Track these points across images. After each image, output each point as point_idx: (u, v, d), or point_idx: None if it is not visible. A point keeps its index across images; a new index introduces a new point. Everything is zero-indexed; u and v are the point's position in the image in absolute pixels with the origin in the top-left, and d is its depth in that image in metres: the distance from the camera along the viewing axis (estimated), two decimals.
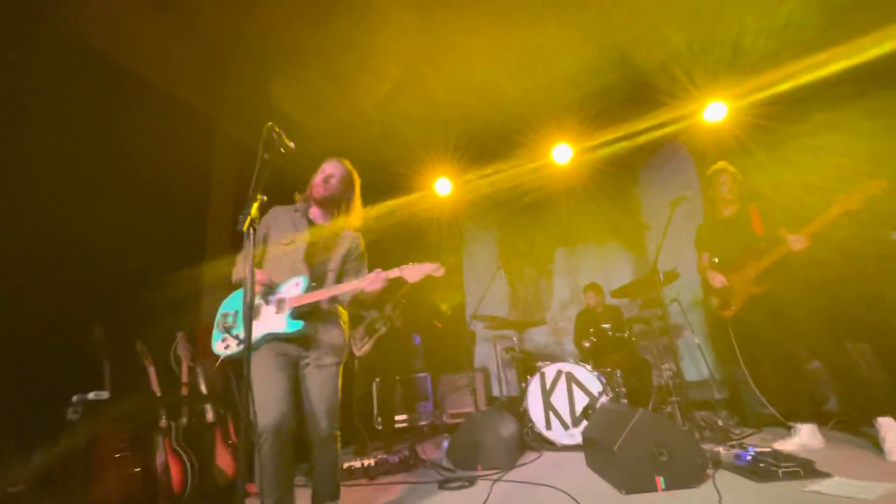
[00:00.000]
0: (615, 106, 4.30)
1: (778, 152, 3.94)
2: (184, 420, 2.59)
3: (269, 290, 1.90)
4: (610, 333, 3.80)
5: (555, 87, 4.14)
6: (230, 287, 2.03)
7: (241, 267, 1.97)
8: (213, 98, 3.78)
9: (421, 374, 4.95)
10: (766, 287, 2.70)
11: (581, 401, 3.26)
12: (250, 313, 1.43)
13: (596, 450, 2.51)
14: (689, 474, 2.08)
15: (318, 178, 2.06)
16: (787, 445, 2.53)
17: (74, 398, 2.21)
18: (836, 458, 2.31)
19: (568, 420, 3.27)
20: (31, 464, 2.13)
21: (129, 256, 2.77)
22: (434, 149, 4.77)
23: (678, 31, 3.59)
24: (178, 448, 2.47)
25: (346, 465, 2.86)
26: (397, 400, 4.66)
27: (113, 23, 2.94)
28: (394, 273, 1.87)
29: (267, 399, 1.75)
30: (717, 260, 2.99)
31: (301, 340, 1.90)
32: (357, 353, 4.00)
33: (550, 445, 3.30)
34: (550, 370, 3.46)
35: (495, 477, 2.61)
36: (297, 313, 1.86)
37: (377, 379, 4.44)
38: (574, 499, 2.09)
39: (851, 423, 2.85)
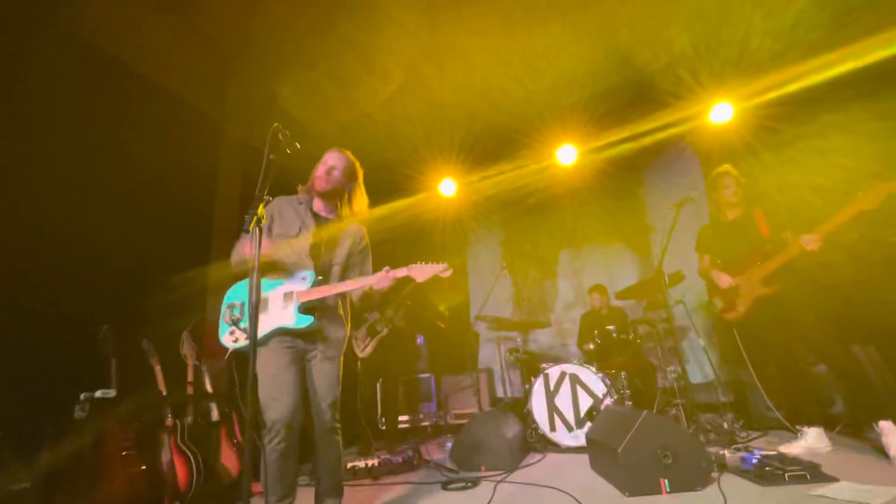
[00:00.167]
0: (620, 107, 4.28)
1: (785, 153, 3.91)
2: (189, 419, 2.60)
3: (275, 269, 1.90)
4: (614, 335, 3.78)
5: (559, 87, 4.13)
6: None
7: (240, 249, 1.90)
8: (217, 99, 3.81)
9: (424, 375, 4.95)
10: (775, 288, 2.68)
11: (585, 402, 3.25)
12: (255, 314, 1.44)
13: (600, 452, 2.51)
14: (693, 477, 2.07)
15: (320, 171, 2.04)
16: (793, 449, 2.51)
17: (82, 396, 2.23)
18: (842, 461, 2.29)
19: (572, 422, 3.26)
20: (38, 461, 2.15)
21: (135, 256, 2.80)
22: (438, 150, 4.77)
23: (684, 32, 3.57)
24: (183, 446, 2.49)
25: (349, 465, 2.87)
26: (401, 400, 4.66)
27: (118, 23, 2.97)
28: (402, 272, 1.87)
29: (278, 392, 1.76)
30: (719, 262, 2.97)
31: (307, 334, 1.91)
32: (360, 355, 4.01)
33: (554, 447, 3.29)
34: (554, 371, 3.45)
35: (499, 478, 2.61)
36: (305, 308, 1.87)
37: (381, 379, 4.45)
38: (577, 501, 2.08)
39: (858, 427, 2.82)
